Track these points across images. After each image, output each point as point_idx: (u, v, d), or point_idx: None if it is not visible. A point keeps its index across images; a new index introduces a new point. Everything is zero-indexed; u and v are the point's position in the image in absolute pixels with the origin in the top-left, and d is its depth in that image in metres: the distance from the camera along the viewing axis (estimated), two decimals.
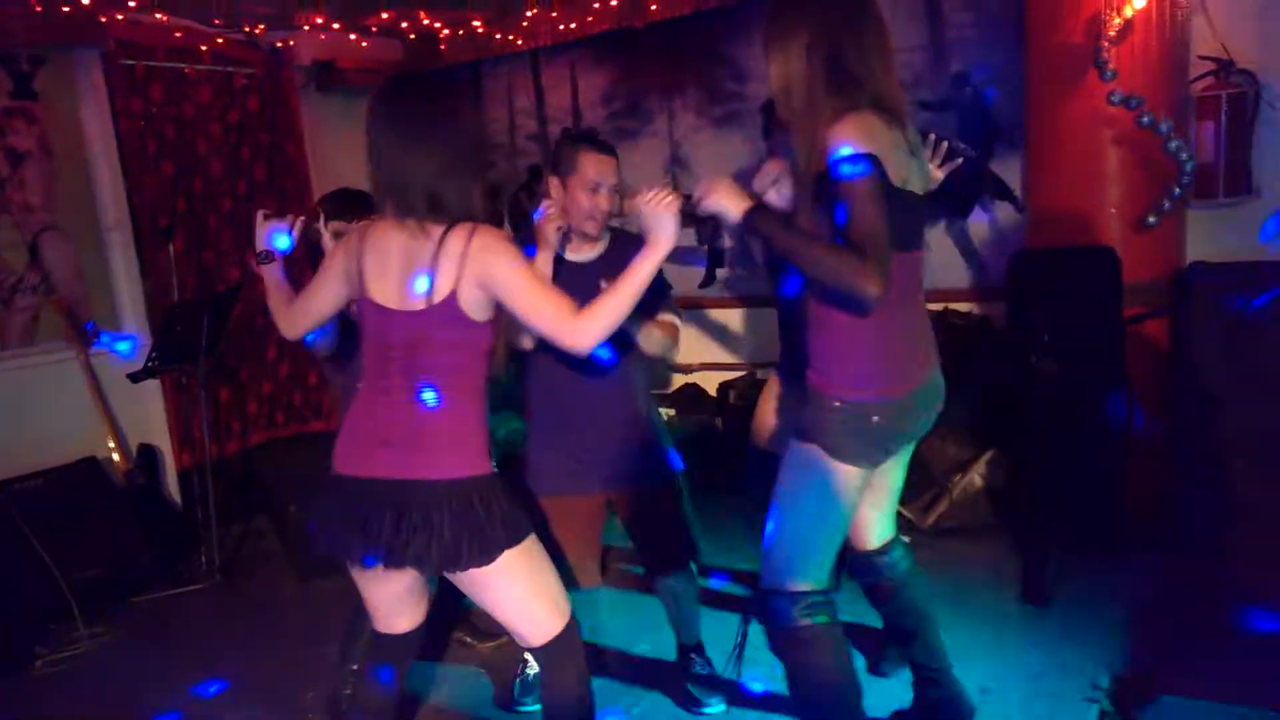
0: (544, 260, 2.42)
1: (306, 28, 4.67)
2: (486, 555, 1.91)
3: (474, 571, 1.93)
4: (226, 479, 4.48)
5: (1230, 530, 3.42)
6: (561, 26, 4.75)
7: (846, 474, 2.03)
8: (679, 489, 2.76)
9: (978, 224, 4.25)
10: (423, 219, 1.90)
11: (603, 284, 2.11)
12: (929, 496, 3.89)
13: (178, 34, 4.44)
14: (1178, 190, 3.52)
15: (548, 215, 2.45)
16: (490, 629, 3.19)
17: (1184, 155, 3.46)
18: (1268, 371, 3.36)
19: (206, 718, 2.99)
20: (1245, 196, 3.66)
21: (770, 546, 2.11)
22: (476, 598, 2.04)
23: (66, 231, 4.28)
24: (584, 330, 1.88)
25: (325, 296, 2.10)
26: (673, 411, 4.73)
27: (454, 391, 1.93)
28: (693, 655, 2.86)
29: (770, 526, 2.12)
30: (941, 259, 4.27)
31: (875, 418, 2.00)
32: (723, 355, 4.90)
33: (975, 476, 3.87)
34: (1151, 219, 3.58)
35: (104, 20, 4.10)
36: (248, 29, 4.62)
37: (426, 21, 4.74)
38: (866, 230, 1.84)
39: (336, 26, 4.67)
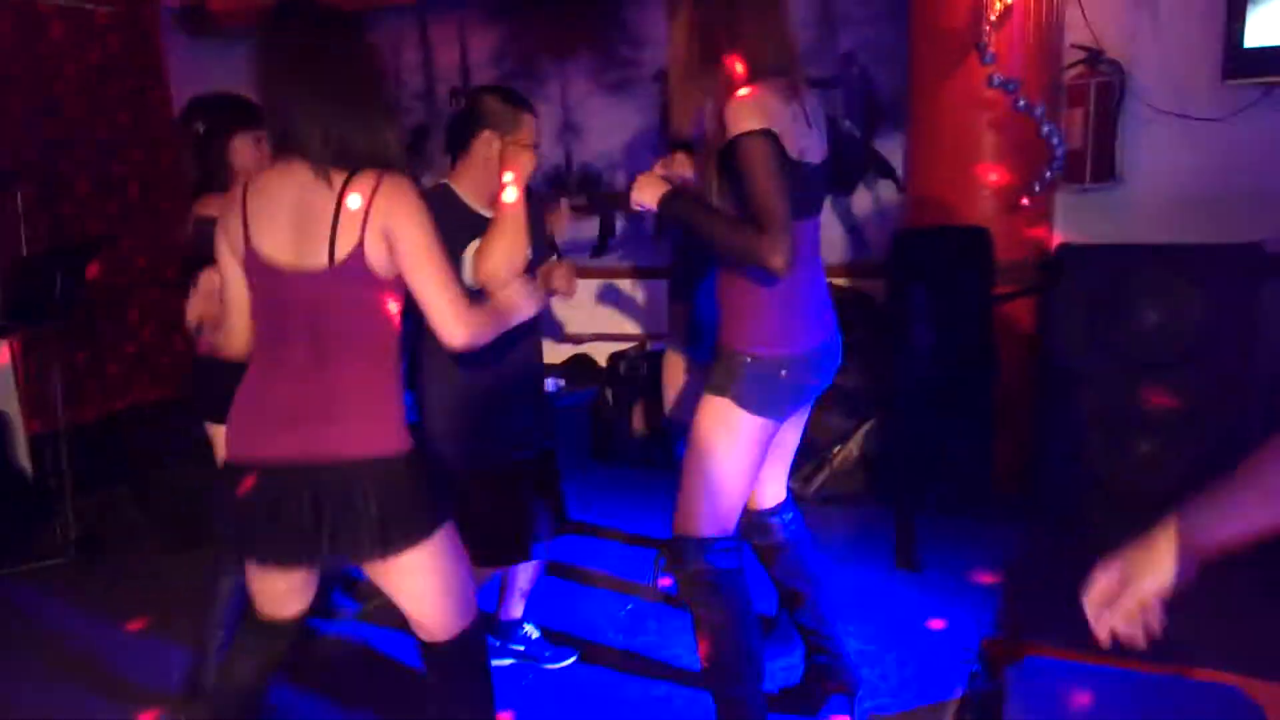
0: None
1: None
2: (414, 539, 1.75)
3: (395, 559, 1.75)
4: (85, 447, 4.20)
5: (1088, 499, 3.64)
6: None
7: (756, 425, 2.14)
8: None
9: (861, 201, 4.34)
10: (324, 165, 1.67)
11: None
12: (811, 467, 3.98)
13: None
14: (1049, 173, 3.67)
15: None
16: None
17: (1055, 140, 3.60)
18: (1126, 351, 3.57)
19: (58, 705, 2.80)
20: (1110, 182, 3.84)
21: (682, 495, 2.21)
22: (389, 586, 1.85)
23: None
24: (468, 329, 1.76)
25: (232, 274, 1.81)
26: (563, 381, 4.69)
27: (366, 359, 1.73)
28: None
29: (682, 476, 2.21)
30: (825, 235, 4.31)
31: (783, 371, 2.12)
32: (613, 325, 4.88)
33: (854, 447, 3.98)
34: (1024, 200, 3.72)
35: None
36: None
37: None
38: (768, 207, 1.91)
39: None
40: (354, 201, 1.66)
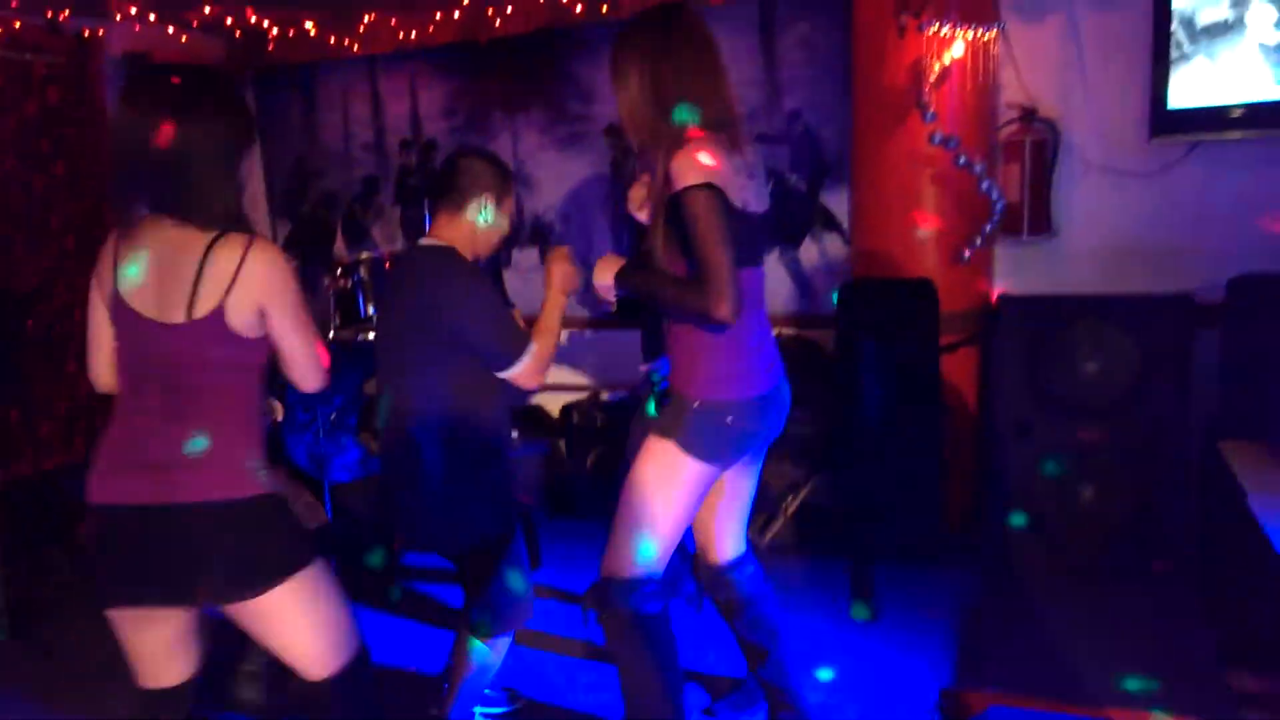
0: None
1: (119, 17, 4.30)
2: (270, 580, 1.81)
3: (249, 603, 1.81)
4: (14, 507, 4.03)
5: (1033, 543, 3.71)
6: (401, 35, 4.61)
7: (698, 470, 2.17)
8: None
9: (808, 253, 4.43)
10: (181, 220, 1.78)
11: None
12: (764, 517, 4.00)
13: None
14: (989, 227, 3.79)
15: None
16: None
17: (994, 194, 3.73)
18: (1065, 398, 3.67)
19: None
20: (1046, 235, 3.97)
21: (613, 536, 2.21)
22: (253, 631, 1.89)
23: None
24: (325, 376, 1.96)
25: (98, 318, 1.90)
26: (515, 433, 4.65)
27: (218, 409, 1.80)
28: None
29: (617, 515, 2.22)
30: (774, 286, 4.41)
31: (730, 417, 2.16)
32: (566, 377, 4.87)
33: (806, 496, 4.01)
34: (966, 253, 3.82)
35: None
36: (50, 13, 4.21)
37: (254, 19, 4.48)
38: (712, 258, 1.99)
39: (153, 18, 4.33)
40: (222, 263, 1.75)
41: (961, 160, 3.66)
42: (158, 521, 1.75)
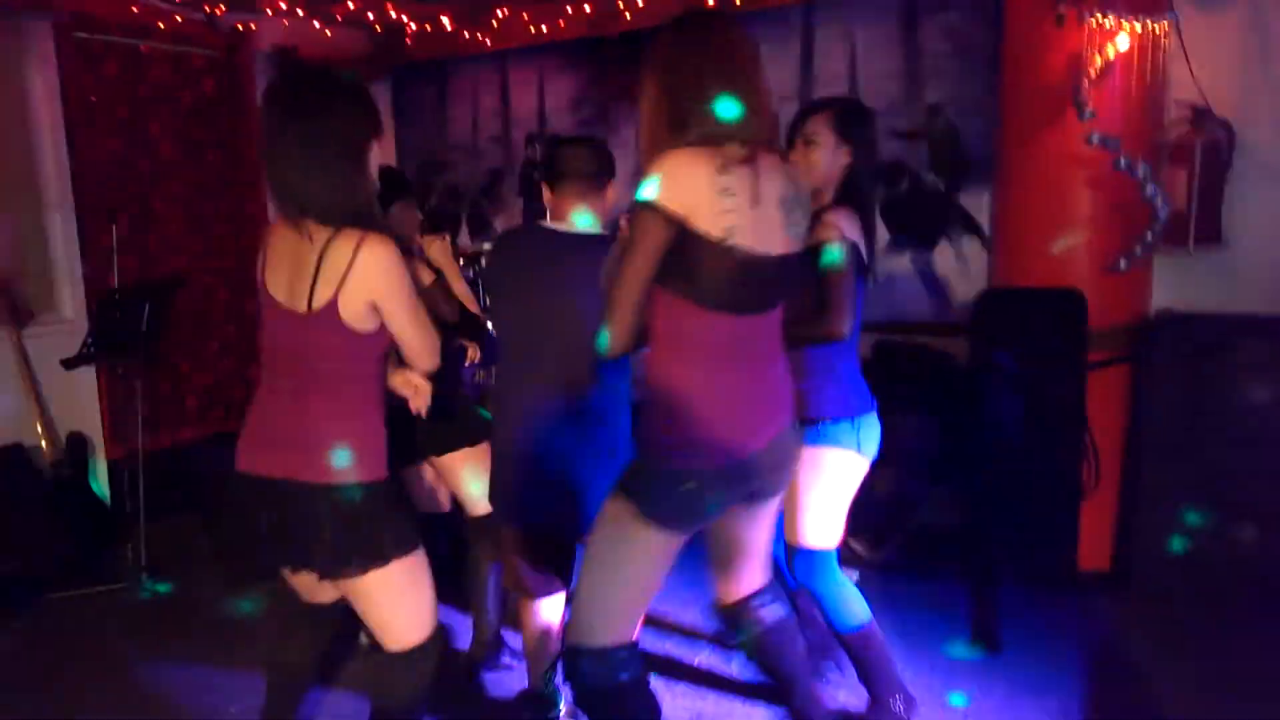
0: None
1: (269, 12, 4.51)
2: (366, 565, 1.92)
3: (347, 580, 1.95)
4: (160, 474, 4.30)
5: (1180, 581, 3.38)
6: (532, 30, 4.64)
7: (655, 537, 1.91)
8: None
9: (943, 257, 4.18)
10: (302, 220, 1.88)
11: None
12: (879, 531, 3.80)
13: (134, 8, 4.26)
14: (1150, 236, 3.47)
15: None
16: None
17: (1159, 201, 3.40)
18: (1228, 427, 3.33)
19: None
20: (1214, 246, 3.61)
21: (577, 600, 2.00)
22: (347, 595, 2.04)
23: (4, 206, 4.10)
24: (435, 361, 2.03)
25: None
26: None
27: (336, 395, 1.91)
28: None
29: (579, 580, 2.01)
30: (904, 291, 4.20)
31: (689, 484, 1.88)
32: None
33: (928, 513, 3.79)
34: (1122, 263, 3.52)
35: None
36: (208, 9, 4.45)
37: (394, 14, 4.60)
38: (613, 285, 1.80)
39: (301, 13, 4.51)
40: (335, 259, 1.84)
41: (1122, 163, 3.36)
42: (282, 495, 1.90)
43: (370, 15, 4.58)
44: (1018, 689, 2.88)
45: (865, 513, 3.43)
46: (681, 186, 1.75)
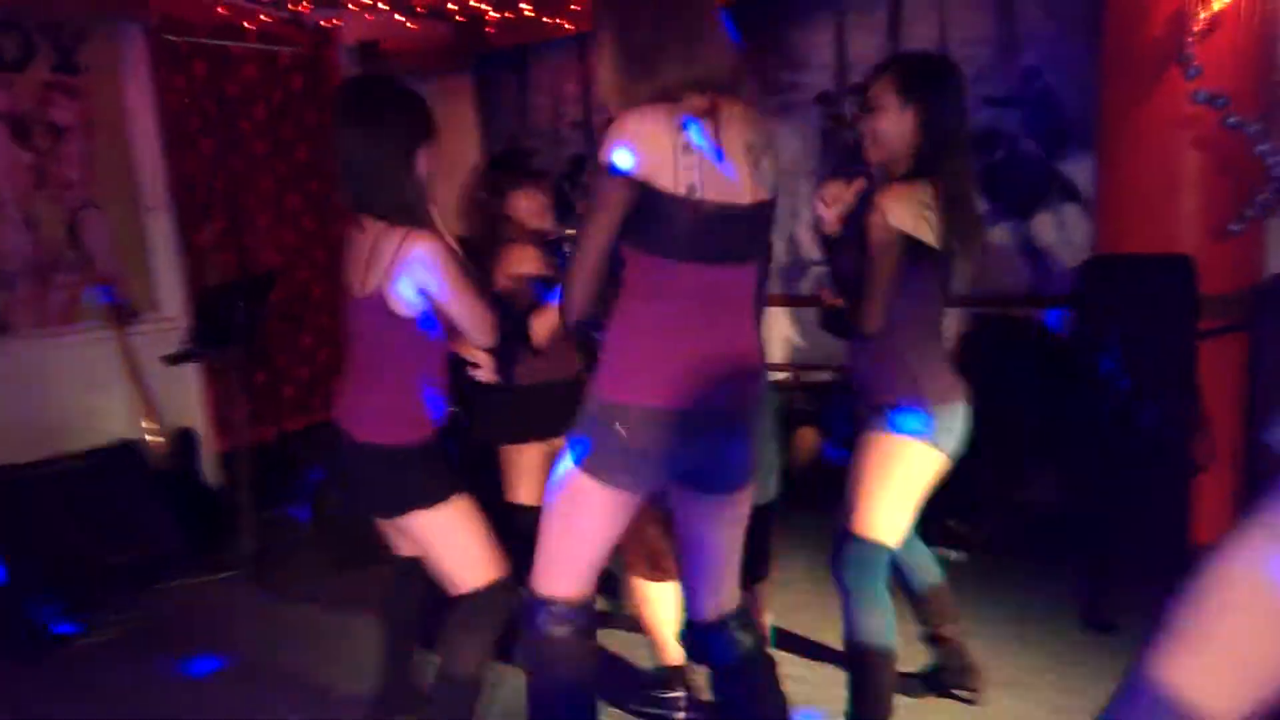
0: None
1: (353, 7, 4.56)
2: (403, 510, 2.21)
3: (400, 523, 2.24)
4: (261, 464, 4.42)
5: None
6: None
7: (592, 489, 1.82)
8: None
9: (1042, 226, 4.07)
10: (358, 214, 2.14)
11: None
12: (980, 512, 3.73)
13: (223, 10, 4.35)
14: (1265, 197, 3.32)
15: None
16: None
17: (1273, 159, 3.26)
18: None
19: (229, 710, 2.93)
20: None
21: (537, 547, 1.96)
22: (409, 546, 2.40)
23: (106, 209, 4.23)
24: (490, 337, 2.22)
25: None
26: None
27: (386, 370, 2.18)
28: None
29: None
30: (1001, 261, 4.10)
31: (619, 425, 1.77)
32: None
33: (1031, 492, 3.71)
34: (1235, 227, 3.38)
35: None
36: (293, 7, 4.52)
37: (474, 4, 4.62)
38: (579, 239, 1.76)
39: (384, 7, 4.56)
40: (385, 251, 2.08)
41: (1232, 120, 3.22)
42: (349, 452, 2.23)
43: (451, 6, 4.61)
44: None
45: (969, 491, 3.37)
46: (642, 148, 1.70)
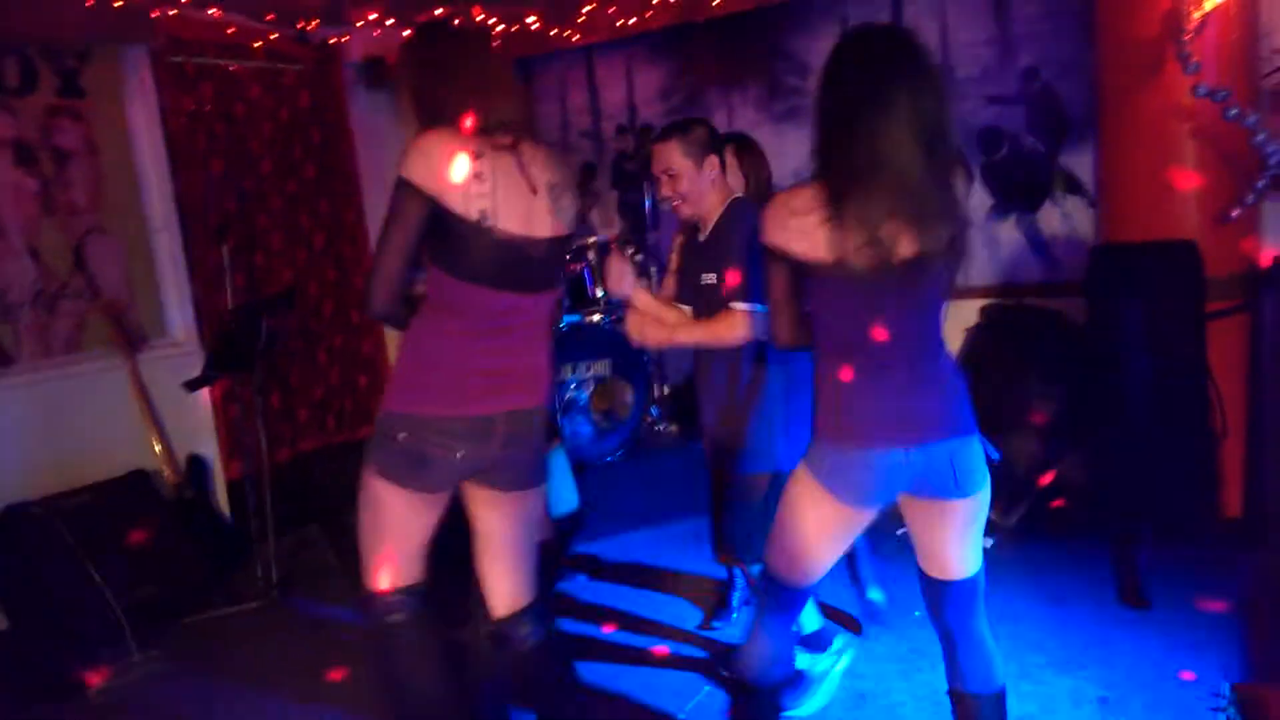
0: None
1: (359, 24, 4.55)
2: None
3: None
4: (279, 488, 4.35)
5: None
6: (619, 22, 4.67)
7: (386, 490, 2.01)
8: None
9: (1048, 218, 4.22)
10: None
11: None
12: (1010, 496, 3.84)
13: (230, 30, 4.31)
14: (1262, 183, 3.49)
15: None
16: None
17: (1270, 148, 3.43)
18: None
19: None
20: None
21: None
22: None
23: (113, 233, 4.15)
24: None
25: None
26: None
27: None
28: None
29: None
30: (1010, 253, 4.24)
31: (402, 433, 1.96)
32: None
33: (1058, 474, 3.83)
34: (1234, 212, 3.55)
35: (155, 16, 3.97)
36: (300, 25, 4.49)
37: (481, 17, 4.63)
38: (377, 251, 1.93)
39: (390, 22, 4.55)
40: None
41: (1233, 112, 3.38)
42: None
43: (458, 20, 4.61)
44: (1174, 645, 2.90)
45: (996, 478, 3.46)
46: (431, 166, 1.86)
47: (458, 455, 1.98)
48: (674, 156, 2.55)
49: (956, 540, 1.96)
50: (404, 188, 1.87)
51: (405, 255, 1.89)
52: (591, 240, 4.06)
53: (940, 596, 2.01)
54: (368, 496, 2.05)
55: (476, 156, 1.88)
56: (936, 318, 1.89)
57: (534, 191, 1.96)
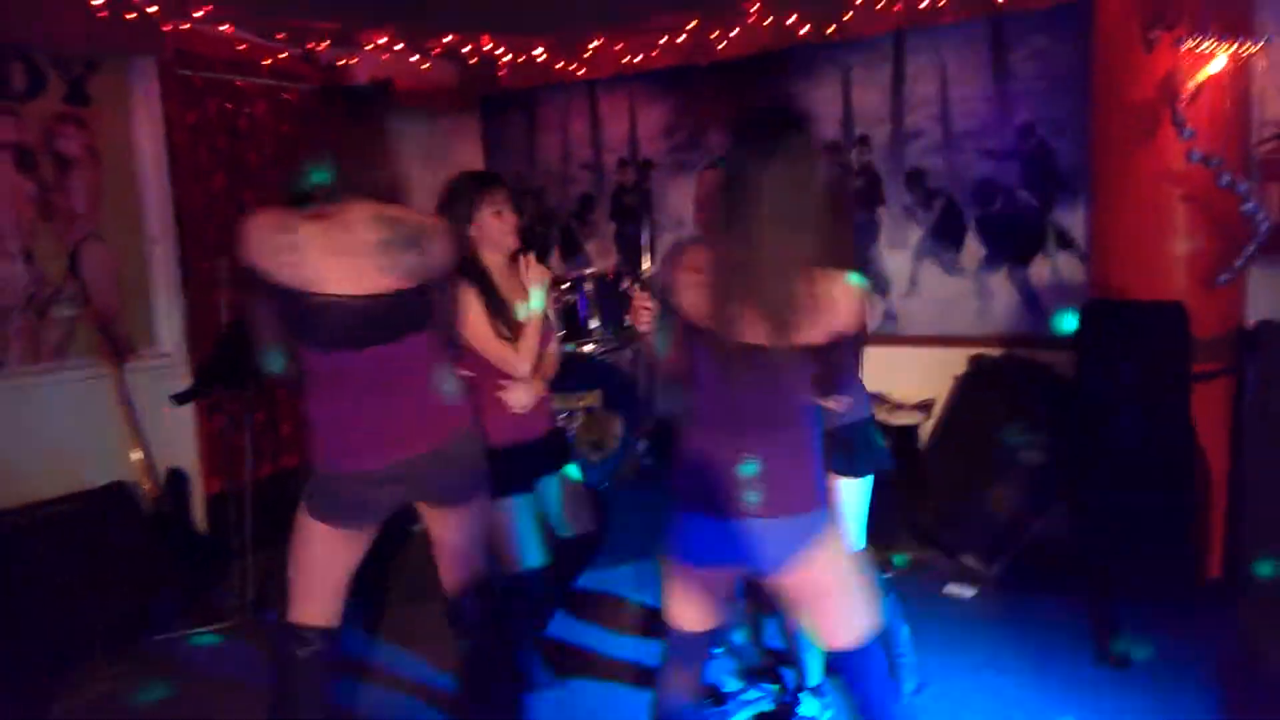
0: None
1: (369, 47, 4.58)
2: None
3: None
4: (258, 504, 4.30)
5: None
6: (625, 59, 4.72)
7: (317, 528, 2.23)
8: None
9: (1039, 272, 4.28)
10: None
11: None
12: (993, 546, 3.85)
13: (241, 46, 4.33)
14: (1251, 248, 3.56)
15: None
16: None
17: (1260, 215, 3.50)
18: None
19: None
20: None
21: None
22: None
23: (108, 242, 4.13)
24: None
25: None
26: None
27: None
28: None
29: None
30: (1002, 303, 4.29)
31: (329, 485, 2.22)
32: None
33: (1041, 527, 3.85)
34: (1224, 277, 3.61)
35: (166, 29, 3.98)
36: (310, 45, 4.51)
37: (489, 46, 4.68)
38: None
39: (400, 47, 4.59)
40: None
41: (1225, 179, 3.46)
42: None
43: (466, 48, 4.66)
44: (1153, 706, 2.90)
45: (979, 529, 3.48)
46: (252, 246, 2.06)
47: (367, 497, 2.23)
48: None
49: None
50: (246, 267, 2.07)
51: (268, 325, 2.11)
52: (589, 272, 4.09)
53: None
54: (297, 528, 2.25)
55: (284, 230, 2.05)
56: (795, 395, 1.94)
57: (360, 253, 2.09)
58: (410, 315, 2.19)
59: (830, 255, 1.87)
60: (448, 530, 2.42)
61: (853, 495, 2.63)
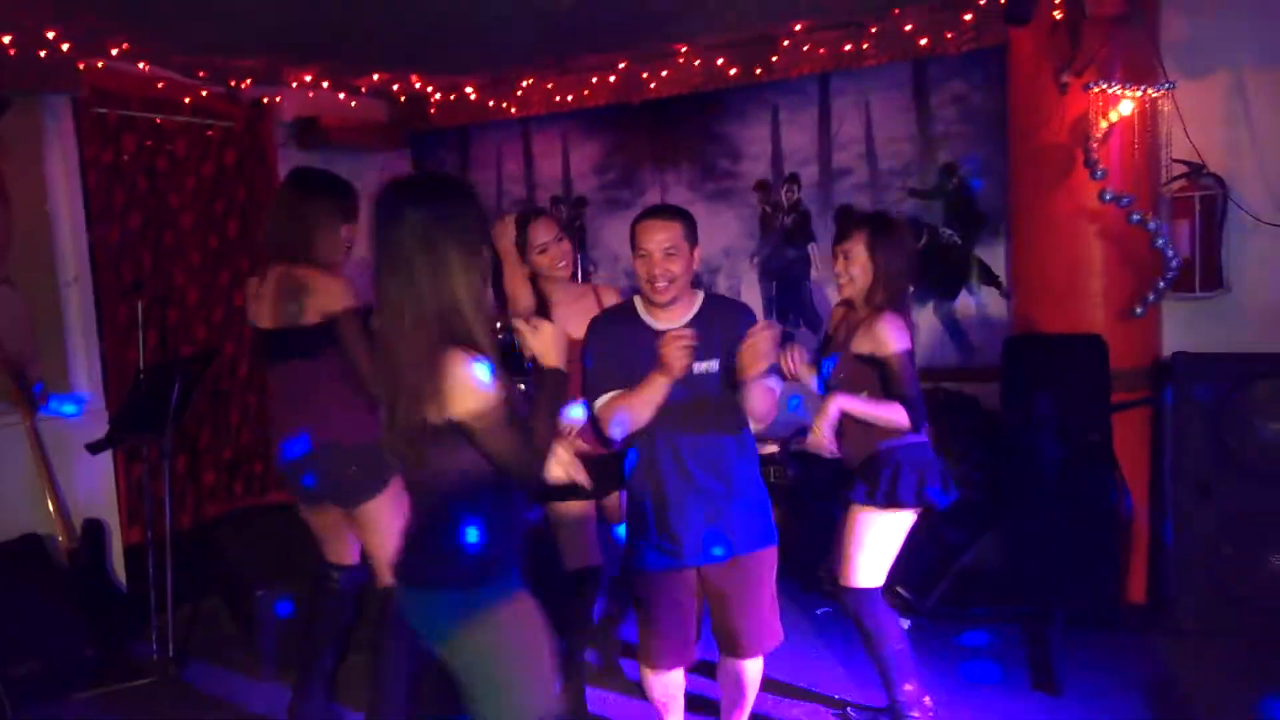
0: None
1: (295, 84, 4.50)
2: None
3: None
4: (179, 556, 4.13)
5: (1221, 612, 3.57)
6: (556, 98, 4.74)
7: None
8: None
9: (964, 306, 4.38)
10: None
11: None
12: (926, 578, 3.90)
13: (160, 84, 4.21)
14: (1163, 283, 3.70)
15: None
16: None
17: (1170, 251, 3.65)
18: (1250, 459, 3.55)
19: None
20: (1218, 290, 3.87)
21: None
22: None
23: (19, 285, 3.96)
24: None
25: None
26: None
27: None
28: None
29: None
30: (928, 338, 4.38)
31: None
32: None
33: (972, 557, 3.91)
34: (1139, 309, 3.74)
35: (80, 67, 3.86)
36: (233, 83, 4.42)
37: (419, 85, 4.64)
38: None
39: (325, 85, 4.52)
40: None
41: (1135, 217, 3.59)
42: None
43: (395, 86, 4.62)
44: None
45: (911, 560, 3.52)
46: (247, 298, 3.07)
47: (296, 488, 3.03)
48: (678, 236, 2.48)
49: None
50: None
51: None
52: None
53: None
54: None
55: (253, 281, 3.01)
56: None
57: (267, 297, 2.91)
58: (305, 342, 2.88)
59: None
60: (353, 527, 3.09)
61: None
